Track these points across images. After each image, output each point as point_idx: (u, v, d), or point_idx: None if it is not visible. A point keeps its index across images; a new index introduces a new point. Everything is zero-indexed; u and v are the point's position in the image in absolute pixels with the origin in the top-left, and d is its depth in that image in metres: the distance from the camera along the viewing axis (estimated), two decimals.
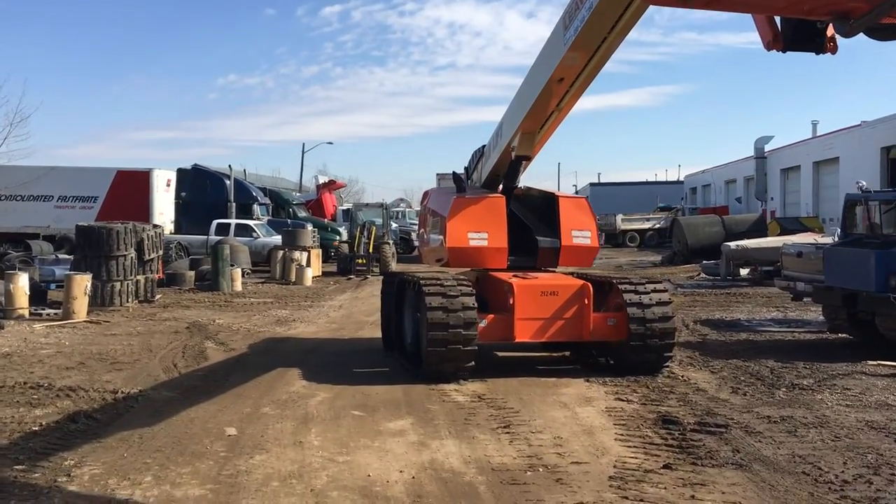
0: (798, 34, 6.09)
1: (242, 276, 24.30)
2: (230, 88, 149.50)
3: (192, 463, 6.75)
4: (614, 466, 6.70)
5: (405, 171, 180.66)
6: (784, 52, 6.16)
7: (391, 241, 31.70)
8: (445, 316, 10.10)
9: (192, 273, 24.41)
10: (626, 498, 5.97)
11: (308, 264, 26.26)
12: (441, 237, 12.04)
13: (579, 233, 12.08)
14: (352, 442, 7.34)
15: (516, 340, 10.71)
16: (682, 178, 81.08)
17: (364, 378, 10.51)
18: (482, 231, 11.71)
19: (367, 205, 36.10)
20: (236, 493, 6.04)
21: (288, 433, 7.64)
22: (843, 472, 6.61)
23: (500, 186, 13.13)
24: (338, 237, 35.79)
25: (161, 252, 21.10)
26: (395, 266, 30.30)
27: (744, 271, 25.75)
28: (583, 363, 11.65)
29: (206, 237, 30.77)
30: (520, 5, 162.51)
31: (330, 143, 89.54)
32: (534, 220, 12.47)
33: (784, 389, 9.70)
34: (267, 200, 38.16)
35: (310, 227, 33.26)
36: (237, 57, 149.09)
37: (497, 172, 12.85)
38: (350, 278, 27.57)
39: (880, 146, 36.47)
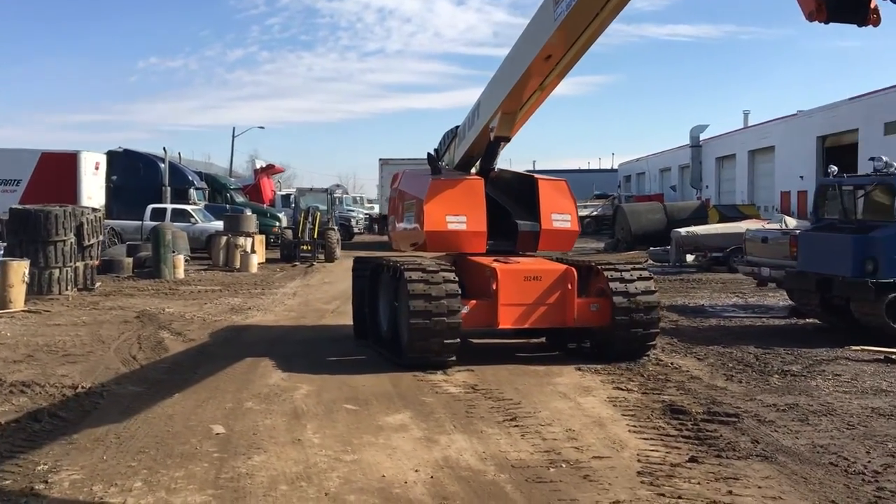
0: (842, 4, 5.79)
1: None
2: (152, 71, 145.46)
3: (184, 465, 6.13)
4: (638, 461, 6.34)
5: (338, 157, 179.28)
6: (826, 22, 5.86)
7: (336, 228, 30.98)
8: (428, 302, 9.71)
9: (130, 260, 23.28)
10: (663, 495, 5.61)
11: (252, 251, 25.37)
12: (417, 221, 11.57)
13: (559, 216, 11.77)
14: (354, 439, 6.82)
15: (500, 327, 10.36)
16: (615, 167, 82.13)
17: (343, 368, 9.96)
18: (460, 214, 11.31)
19: (310, 190, 35.22)
20: (243, 500, 5.47)
21: (282, 430, 7.07)
22: (869, 462, 6.39)
23: (474, 169, 12.74)
24: (277, 223, 34.84)
25: (101, 237, 20.00)
26: (340, 253, 29.63)
27: (690, 257, 25.94)
28: (562, 349, 11.35)
29: (140, 222, 29.52)
30: None
31: (261, 127, 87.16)
32: (511, 203, 12.09)
33: (777, 376, 9.53)
34: (203, 185, 36.94)
35: (248, 212, 32.36)
36: (159, 39, 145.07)
37: (472, 154, 12.44)
38: (295, 265, 26.77)
39: (816, 135, 37.34)
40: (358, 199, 62.90)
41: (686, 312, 15.23)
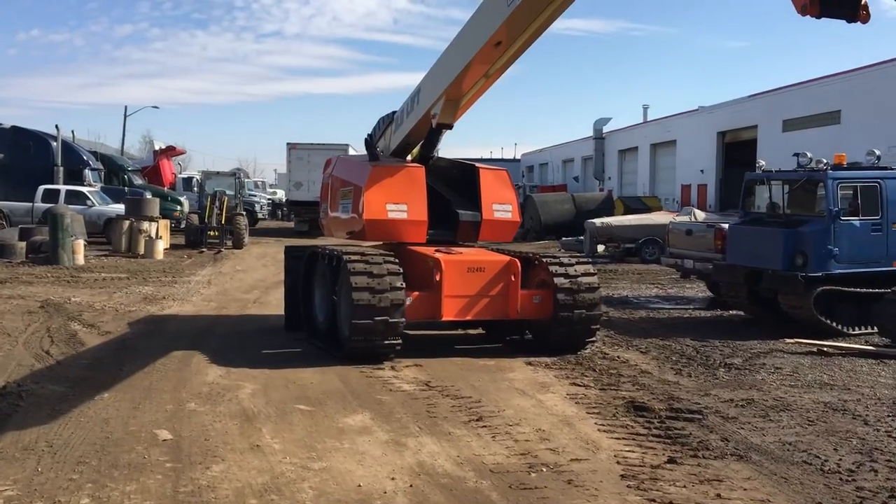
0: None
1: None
2: (33, 44, 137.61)
3: (134, 478, 5.53)
4: (618, 463, 6.14)
5: (235, 140, 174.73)
6: (819, 17, 5.77)
7: (244, 213, 29.96)
8: (371, 295, 9.40)
9: (23, 244, 21.82)
10: (653, 501, 5.41)
11: (158, 236, 24.18)
12: (355, 208, 11.16)
13: (500, 206, 11.61)
14: (317, 444, 6.35)
15: (443, 318, 10.11)
16: (518, 157, 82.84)
17: (283, 363, 9.42)
18: (401, 203, 10.99)
19: (217, 173, 33.98)
20: None
21: (236, 435, 6.52)
22: (840, 459, 6.38)
23: (409, 157, 12.41)
24: (179, 207, 33.47)
25: None
26: (248, 239, 28.67)
27: (600, 248, 26.28)
28: (503, 341, 11.19)
29: (31, 205, 27.79)
30: None
31: (155, 107, 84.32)
32: (450, 191, 11.81)
33: (722, 370, 9.56)
34: (99, 165, 35.10)
35: (149, 195, 31.02)
36: (42, 10, 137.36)
37: (410, 141, 12.08)
38: (202, 251, 25.70)
39: (717, 130, 38.51)
40: (259, 183, 61.32)
41: (613, 304, 15.27)
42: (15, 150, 32.67)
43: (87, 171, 33.14)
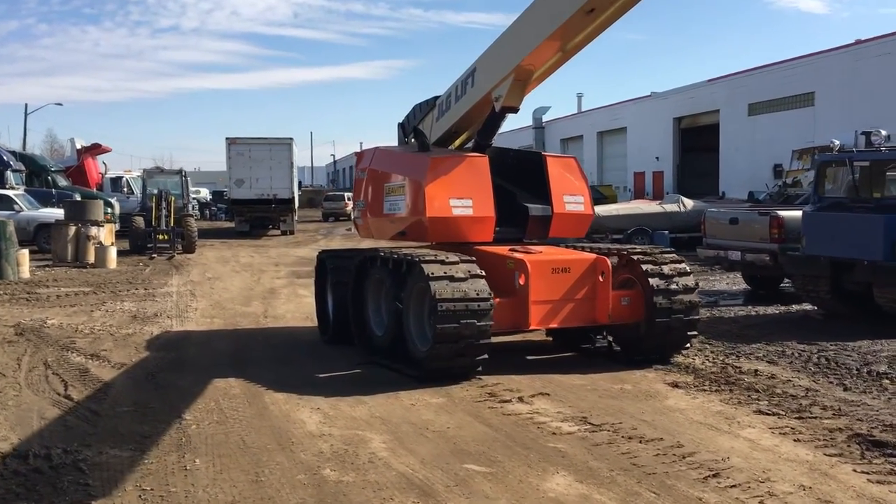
0: None
1: None
2: None
3: None
4: None
5: (142, 138, 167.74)
6: None
7: (193, 214, 27.48)
8: (455, 304, 7.91)
9: None
10: None
11: (111, 243, 21.64)
12: (411, 206, 9.56)
13: (572, 198, 10.27)
14: None
15: (530, 327, 8.78)
16: None
17: (368, 389, 7.76)
18: (466, 198, 9.51)
19: (161, 171, 31.18)
20: None
21: None
22: None
23: (452, 146, 10.89)
24: (110, 210, 30.55)
25: None
26: (198, 243, 26.25)
27: None
28: (573, 349, 10.02)
29: None
30: None
31: (59, 104, 78.42)
32: (513, 184, 10.27)
33: (886, 381, 8.23)
34: (21, 166, 31.79)
35: (78, 197, 28.32)
36: None
37: (457, 129, 10.58)
38: (153, 257, 23.22)
39: (672, 116, 37.88)
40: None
41: None
42: None
43: (8, 173, 29.91)
